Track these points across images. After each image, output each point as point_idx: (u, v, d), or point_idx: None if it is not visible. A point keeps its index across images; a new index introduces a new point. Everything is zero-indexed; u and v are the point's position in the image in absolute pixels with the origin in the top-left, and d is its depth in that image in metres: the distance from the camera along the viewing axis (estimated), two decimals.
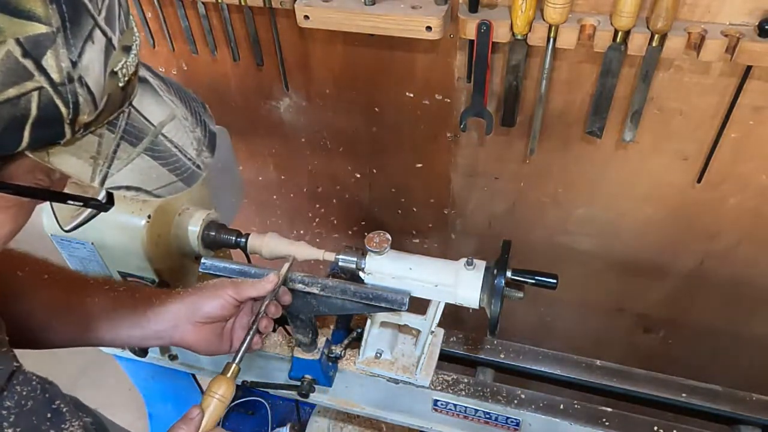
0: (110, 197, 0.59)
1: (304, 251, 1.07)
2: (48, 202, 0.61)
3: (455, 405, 1.19)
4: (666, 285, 1.67)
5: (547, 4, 1.11)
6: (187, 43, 1.57)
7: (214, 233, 1.17)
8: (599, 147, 1.40)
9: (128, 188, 0.56)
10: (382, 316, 1.11)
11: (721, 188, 1.38)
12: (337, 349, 1.18)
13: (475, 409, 1.18)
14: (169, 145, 0.58)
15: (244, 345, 0.91)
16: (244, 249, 1.15)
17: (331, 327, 1.23)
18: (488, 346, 1.29)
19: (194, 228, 1.16)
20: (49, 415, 0.63)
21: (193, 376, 1.50)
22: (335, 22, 1.26)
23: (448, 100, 1.45)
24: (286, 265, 0.98)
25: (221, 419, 0.86)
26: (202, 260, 1.06)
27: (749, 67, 1.14)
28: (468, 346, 1.29)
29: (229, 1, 1.41)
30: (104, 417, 0.94)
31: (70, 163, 0.50)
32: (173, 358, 1.38)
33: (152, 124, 0.56)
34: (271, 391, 1.27)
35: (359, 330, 1.19)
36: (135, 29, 0.54)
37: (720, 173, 1.35)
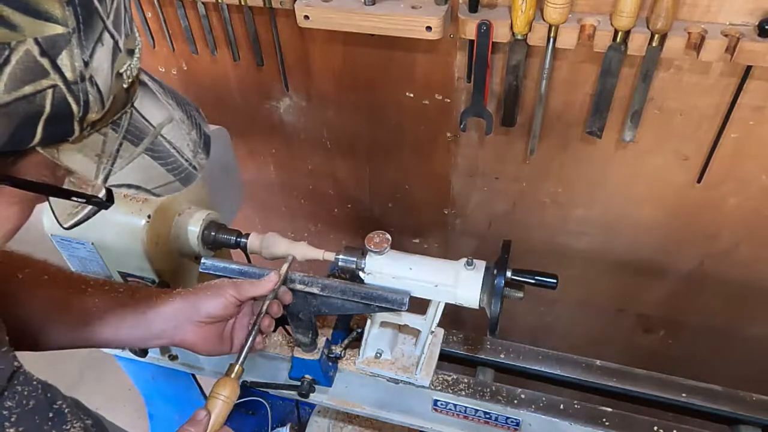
0: (110, 195, 0.61)
1: (304, 251, 1.07)
2: (47, 203, 0.62)
3: (455, 405, 1.19)
4: (666, 285, 1.68)
5: (547, 4, 1.11)
6: (187, 43, 1.57)
7: (214, 233, 1.18)
8: (599, 147, 1.40)
9: (129, 186, 0.58)
10: (382, 316, 1.11)
11: (721, 188, 1.38)
12: (337, 349, 1.18)
13: (475, 409, 1.18)
14: (168, 146, 0.60)
15: (247, 345, 0.91)
16: (244, 249, 1.15)
17: (331, 327, 1.23)
18: (488, 346, 1.29)
19: (194, 228, 1.16)
20: (51, 415, 0.63)
21: (193, 376, 1.50)
22: (335, 22, 1.26)
23: (448, 100, 1.45)
24: (286, 265, 0.98)
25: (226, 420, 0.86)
26: (202, 260, 1.06)
27: (749, 67, 1.14)
28: (468, 346, 1.29)
29: (229, 1, 1.41)
30: (104, 419, 0.94)
31: (77, 159, 0.53)
32: (173, 358, 1.38)
33: (152, 125, 0.58)
34: (271, 391, 1.27)
35: (359, 330, 1.19)
36: (137, 34, 0.55)
37: (720, 173, 1.35)
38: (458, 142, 1.54)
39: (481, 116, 1.36)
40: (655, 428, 1.14)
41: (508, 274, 0.97)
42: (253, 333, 0.92)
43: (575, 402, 1.17)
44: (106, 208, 0.62)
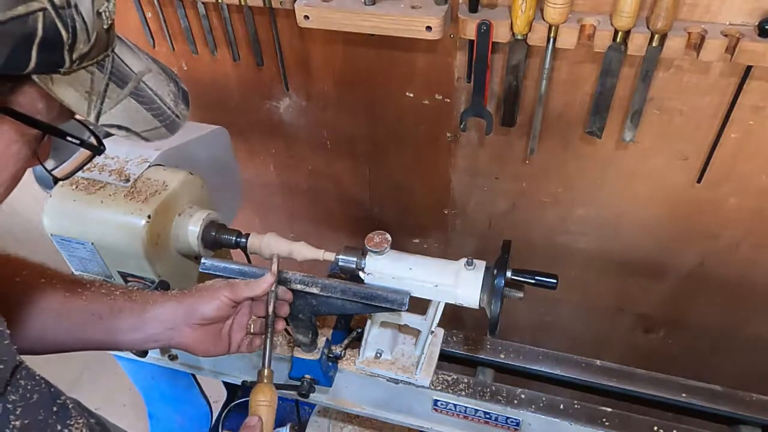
0: (100, 143, 0.67)
1: (304, 251, 1.07)
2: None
3: (455, 405, 1.19)
4: (666, 285, 1.68)
5: (547, 4, 1.11)
6: (187, 43, 1.57)
7: (214, 233, 1.17)
8: (599, 147, 1.40)
9: (119, 127, 0.62)
10: (382, 316, 1.11)
11: (721, 188, 1.38)
12: (337, 349, 1.18)
13: (475, 409, 1.18)
14: (150, 93, 0.65)
15: (268, 348, 0.93)
16: (244, 249, 1.15)
17: (331, 327, 1.23)
18: (488, 346, 1.29)
19: (194, 228, 1.15)
20: (55, 409, 0.63)
21: (193, 376, 1.50)
22: (335, 22, 1.26)
23: (448, 100, 1.45)
24: (275, 264, 0.98)
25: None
26: (202, 260, 1.06)
27: (749, 67, 1.14)
28: (468, 346, 1.29)
29: (229, 1, 1.41)
30: (107, 420, 0.94)
31: (69, 94, 0.57)
32: (173, 358, 1.38)
33: (133, 71, 0.63)
34: None
35: (359, 330, 1.19)
36: None
37: (720, 173, 1.35)
38: (458, 142, 1.54)
39: (481, 116, 1.36)
40: (655, 428, 1.14)
41: (508, 274, 0.97)
42: (270, 335, 0.94)
43: (575, 402, 1.17)
44: (99, 153, 0.67)
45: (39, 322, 0.87)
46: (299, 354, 1.15)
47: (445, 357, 1.27)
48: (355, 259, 1.03)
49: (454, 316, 1.60)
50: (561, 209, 1.59)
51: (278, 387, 1.22)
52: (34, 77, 0.53)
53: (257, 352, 1.23)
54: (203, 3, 1.45)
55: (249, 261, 1.20)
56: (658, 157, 1.37)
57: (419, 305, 1.06)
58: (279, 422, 1.88)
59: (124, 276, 1.18)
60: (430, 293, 1.02)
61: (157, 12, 1.52)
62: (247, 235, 1.15)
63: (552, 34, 1.16)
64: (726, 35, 1.07)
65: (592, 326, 1.90)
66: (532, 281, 0.98)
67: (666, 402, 1.21)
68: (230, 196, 1.44)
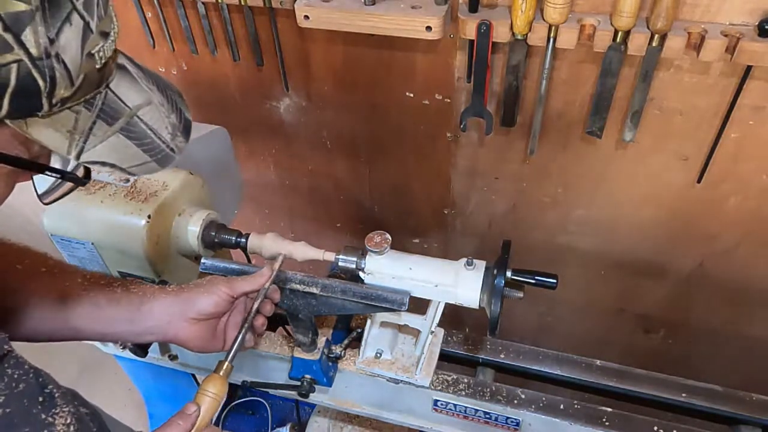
0: (87, 173, 0.63)
1: (304, 251, 1.07)
2: (31, 182, 0.63)
3: (455, 405, 1.19)
4: (666, 285, 1.68)
5: (547, 4, 1.11)
6: (187, 43, 1.57)
7: (214, 233, 1.18)
8: (599, 147, 1.40)
9: (104, 164, 0.59)
10: (382, 316, 1.11)
11: (721, 188, 1.38)
12: (337, 349, 1.18)
13: (475, 409, 1.18)
14: (144, 128, 0.61)
15: (237, 343, 0.91)
16: (244, 249, 1.16)
17: (331, 327, 1.23)
18: (488, 346, 1.29)
19: (194, 228, 1.16)
20: (41, 399, 0.63)
21: (193, 376, 1.50)
22: (335, 22, 1.26)
23: (448, 100, 1.45)
24: (278, 262, 0.98)
25: (214, 417, 0.86)
26: (202, 260, 1.06)
27: (749, 67, 1.14)
28: (468, 346, 1.29)
29: (229, 1, 1.41)
30: (107, 415, 0.94)
31: (48, 134, 0.54)
32: (173, 358, 1.38)
33: (128, 107, 0.60)
34: (271, 391, 1.27)
35: (359, 330, 1.19)
36: (114, 18, 0.57)
37: (720, 173, 1.35)
38: (458, 142, 1.54)
39: (481, 116, 1.36)
40: (655, 428, 1.14)
41: (508, 274, 0.97)
42: (244, 330, 0.92)
43: (575, 402, 1.17)
44: (83, 185, 0.64)
45: (37, 310, 0.88)
46: (299, 354, 1.15)
47: (445, 357, 1.27)
48: (355, 259, 1.03)
49: (454, 316, 1.59)
50: (561, 209, 1.59)
51: (278, 387, 1.23)
52: (7, 122, 0.51)
53: (258, 354, 1.24)
54: (203, 3, 1.45)
55: (249, 261, 1.20)
56: (658, 157, 1.37)
57: (419, 305, 1.06)
58: (279, 422, 1.88)
59: (124, 276, 1.18)
60: (430, 293, 1.02)
61: (157, 12, 1.52)
62: (247, 235, 1.15)
63: (552, 34, 1.16)
64: (726, 35, 1.07)
65: (592, 326, 1.90)
66: (532, 281, 0.98)
67: (666, 402, 1.21)
68: (230, 196, 1.44)
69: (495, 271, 0.97)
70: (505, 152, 1.51)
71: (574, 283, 1.75)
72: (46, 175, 0.59)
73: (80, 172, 0.63)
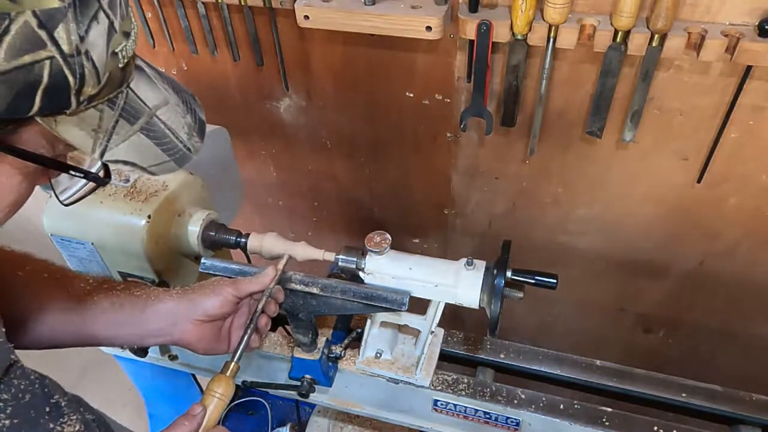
0: (107, 172, 0.65)
1: (304, 251, 1.07)
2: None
3: (455, 405, 1.19)
4: (666, 285, 1.68)
5: (547, 4, 1.11)
6: (187, 43, 1.57)
7: (214, 233, 1.18)
8: (599, 147, 1.40)
9: (125, 163, 0.60)
10: (382, 316, 1.11)
11: (721, 188, 1.38)
12: (337, 349, 1.18)
13: (475, 409, 1.18)
14: (163, 127, 0.63)
15: (243, 343, 0.91)
16: (244, 249, 1.16)
17: (331, 327, 1.23)
18: (488, 346, 1.29)
19: (194, 228, 1.16)
20: (47, 409, 0.63)
21: (193, 376, 1.50)
22: (335, 22, 1.26)
23: (448, 100, 1.45)
24: (283, 262, 0.98)
25: (221, 418, 0.86)
26: (202, 260, 1.06)
27: (749, 67, 1.14)
28: (468, 346, 1.29)
29: (229, 1, 1.41)
30: (108, 418, 0.94)
31: (74, 133, 0.55)
32: (173, 358, 1.38)
33: (147, 106, 0.61)
34: (271, 391, 1.27)
35: (359, 330, 1.19)
36: (133, 19, 0.59)
37: (720, 173, 1.35)
38: (458, 142, 1.54)
39: (481, 116, 1.36)
40: (655, 428, 1.14)
41: (508, 274, 0.97)
42: (249, 330, 0.92)
43: (575, 402, 1.17)
44: (104, 185, 0.65)
45: (40, 317, 0.88)
46: (299, 354, 1.15)
47: (445, 357, 1.27)
48: (355, 259, 1.03)
49: (454, 316, 1.60)
50: (561, 209, 1.59)
51: (278, 387, 1.23)
52: (37, 119, 0.52)
53: (258, 353, 1.24)
54: (203, 3, 1.45)
55: (249, 261, 1.20)
56: (658, 157, 1.38)
57: (419, 305, 1.06)
58: (279, 422, 1.88)
59: (124, 276, 1.19)
60: (430, 293, 1.02)
61: (157, 12, 1.52)
62: (247, 235, 1.15)
63: (552, 34, 1.16)
64: (726, 35, 1.07)
65: (592, 326, 1.90)
66: (532, 281, 0.98)
67: (666, 402, 1.21)
68: (230, 196, 1.44)
69: (495, 271, 0.97)
70: (505, 152, 1.51)
71: (574, 282, 1.75)
72: (71, 175, 0.60)
73: (97, 170, 0.64)
